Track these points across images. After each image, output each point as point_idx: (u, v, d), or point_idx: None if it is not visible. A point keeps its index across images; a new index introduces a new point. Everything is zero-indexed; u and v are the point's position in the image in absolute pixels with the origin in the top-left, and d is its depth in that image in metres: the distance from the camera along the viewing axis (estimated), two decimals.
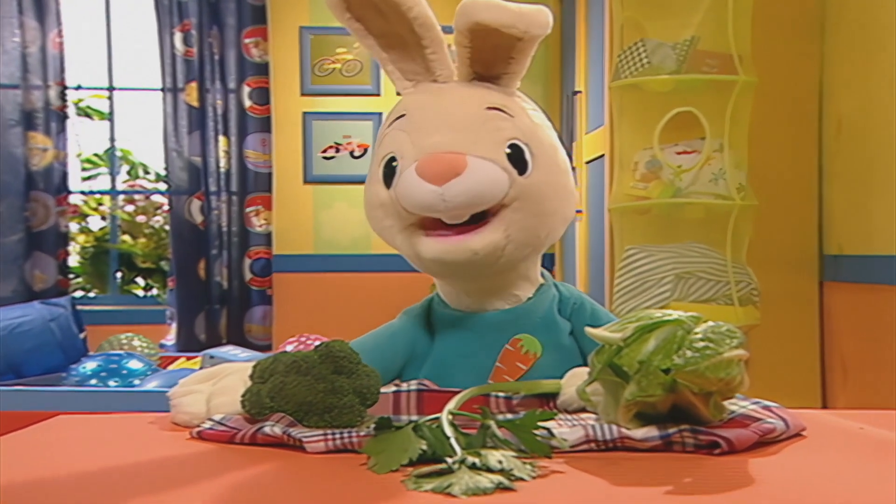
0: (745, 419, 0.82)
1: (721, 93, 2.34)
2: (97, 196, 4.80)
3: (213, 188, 4.22)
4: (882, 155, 2.18)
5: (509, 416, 0.91)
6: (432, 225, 0.96)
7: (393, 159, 0.97)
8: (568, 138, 3.63)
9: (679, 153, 2.37)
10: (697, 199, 2.36)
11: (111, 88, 4.44)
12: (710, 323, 0.79)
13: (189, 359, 2.64)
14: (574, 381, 0.92)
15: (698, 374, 0.75)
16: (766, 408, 0.86)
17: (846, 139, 2.40)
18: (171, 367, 2.61)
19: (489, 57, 0.98)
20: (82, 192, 4.72)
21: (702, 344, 0.76)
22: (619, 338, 0.79)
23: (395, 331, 1.06)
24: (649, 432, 0.76)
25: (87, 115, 4.84)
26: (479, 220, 0.95)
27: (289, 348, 2.35)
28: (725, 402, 0.81)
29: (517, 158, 0.96)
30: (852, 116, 2.37)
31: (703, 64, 2.37)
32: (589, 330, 0.83)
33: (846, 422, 0.92)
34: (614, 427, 0.78)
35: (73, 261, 4.65)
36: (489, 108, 0.97)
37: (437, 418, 0.77)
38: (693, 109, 2.31)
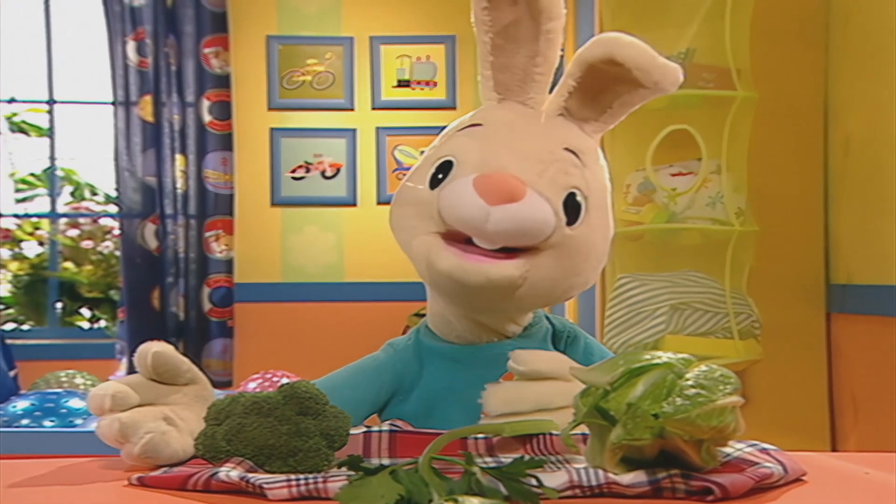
0: (740, 463, 0.83)
1: (718, 109, 2.37)
2: (34, 220, 4.76)
3: (168, 211, 4.21)
4: (892, 176, 2.22)
5: (489, 459, 0.92)
6: (456, 238, 0.99)
7: (449, 163, 1.00)
8: None
9: (674, 175, 2.40)
10: (693, 225, 2.38)
11: (51, 102, 4.42)
12: (703, 367, 0.81)
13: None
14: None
15: (689, 423, 0.77)
16: (764, 451, 0.87)
17: (854, 159, 2.43)
18: None
19: (589, 98, 1.02)
20: (16, 216, 4.68)
21: (693, 391, 0.78)
22: (605, 381, 0.80)
23: (380, 363, 1.08)
24: (637, 477, 0.77)
25: (23, 132, 4.81)
26: (505, 252, 0.98)
27: (252, 385, 2.34)
28: (719, 448, 0.83)
29: (571, 207, 0.99)
30: (860, 135, 2.41)
31: (699, 78, 2.41)
32: (573, 371, 0.84)
33: (850, 465, 0.93)
34: (600, 472, 0.79)
35: (3, 290, 4.60)
36: (566, 149, 1.00)
37: (415, 462, 0.77)
38: (688, 127, 2.34)
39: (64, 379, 2.67)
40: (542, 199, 0.96)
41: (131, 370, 3.95)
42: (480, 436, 0.95)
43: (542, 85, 1.04)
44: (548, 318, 1.11)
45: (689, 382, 0.79)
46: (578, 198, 1.00)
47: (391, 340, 1.11)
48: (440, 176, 1.00)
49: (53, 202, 4.60)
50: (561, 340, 1.09)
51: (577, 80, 1.01)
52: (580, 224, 1.00)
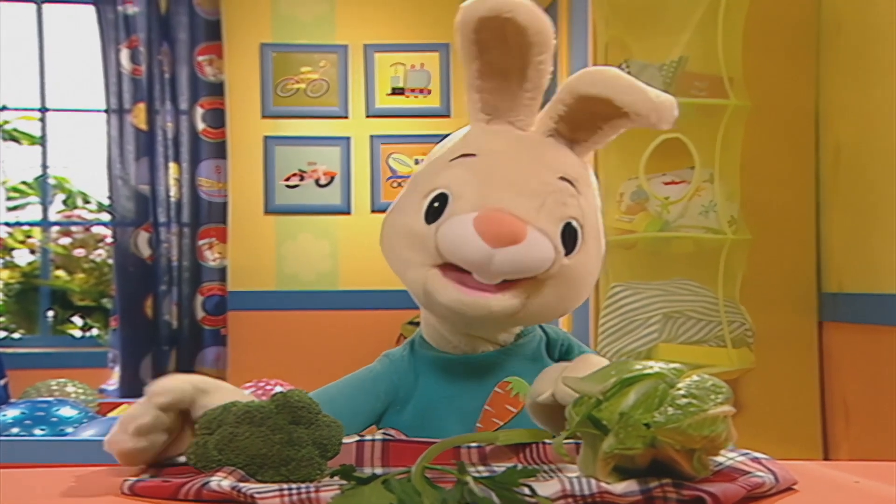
0: (732, 472, 0.83)
1: (711, 118, 2.38)
2: (25, 228, 4.75)
3: (162, 219, 4.21)
4: (883, 185, 2.23)
5: (482, 468, 0.92)
6: (452, 268, 0.99)
7: (444, 196, 1.00)
8: None
9: (666, 183, 2.41)
10: (686, 233, 2.39)
11: (43, 109, 4.42)
12: (695, 377, 0.81)
13: (132, 405, 2.61)
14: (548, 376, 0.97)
15: (680, 432, 0.77)
16: (755, 460, 0.88)
17: (845, 168, 2.44)
18: (111, 414, 2.57)
19: (580, 122, 1.03)
20: (7, 224, 4.67)
21: (685, 400, 0.78)
22: (598, 390, 0.81)
23: (376, 374, 1.09)
24: (629, 486, 0.78)
25: (15, 140, 4.81)
26: (505, 282, 0.99)
27: (245, 394, 2.34)
28: (711, 458, 0.83)
29: (568, 237, 1.00)
30: (851, 144, 2.42)
31: (692, 87, 2.42)
32: (566, 380, 0.85)
33: (841, 474, 0.94)
34: (592, 481, 0.79)
35: None
36: (561, 178, 1.01)
37: (408, 471, 0.78)
38: (681, 136, 2.34)
39: (55, 387, 2.66)
40: (542, 237, 0.97)
41: (123, 379, 3.93)
42: (473, 444, 0.95)
43: (532, 108, 1.04)
44: (541, 326, 1.12)
45: (681, 392, 0.79)
46: (575, 227, 1.01)
47: (387, 352, 1.12)
48: (436, 205, 1.00)
49: (45, 210, 4.59)
50: (555, 349, 1.10)
51: (566, 105, 1.01)
52: (577, 253, 1.01)
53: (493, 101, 1.04)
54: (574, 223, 1.01)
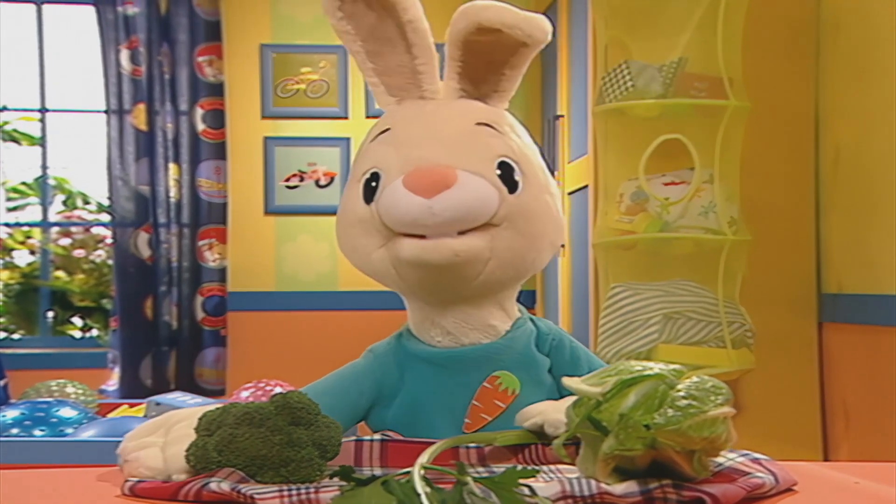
0: (731, 473, 0.83)
1: (710, 119, 2.38)
2: (25, 228, 4.75)
3: (162, 220, 4.21)
4: (883, 185, 2.23)
5: (481, 469, 0.92)
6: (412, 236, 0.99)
7: (376, 175, 1.01)
8: (549, 167, 3.67)
9: (666, 184, 2.41)
10: (686, 234, 2.39)
11: (43, 110, 4.42)
12: (695, 378, 0.81)
13: (132, 406, 2.61)
14: (553, 408, 0.95)
15: (680, 433, 0.77)
16: (755, 460, 0.88)
17: (844, 169, 2.44)
18: (111, 415, 2.57)
19: (480, 73, 1.03)
20: (7, 225, 4.67)
21: (685, 402, 0.78)
22: (598, 392, 0.80)
23: (359, 371, 1.07)
24: (629, 488, 0.78)
25: (15, 140, 4.81)
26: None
27: (244, 394, 2.34)
28: (711, 458, 0.83)
29: (507, 177, 1.00)
30: (850, 144, 2.42)
31: (692, 87, 2.42)
32: (566, 382, 0.84)
33: (841, 475, 0.94)
34: (592, 482, 0.79)
35: None
36: (479, 124, 1.02)
37: (407, 472, 0.78)
38: (681, 137, 2.34)
39: (55, 388, 2.65)
40: (475, 177, 0.97)
41: (123, 380, 3.92)
42: (472, 445, 0.95)
43: (431, 75, 1.05)
44: (532, 319, 1.10)
45: (681, 393, 0.79)
46: (511, 165, 1.01)
47: (372, 346, 1.10)
48: (372, 185, 1.01)
49: (45, 211, 4.59)
50: (546, 343, 1.07)
51: (459, 59, 1.02)
52: (522, 190, 1.01)
53: (393, 82, 1.06)
54: (508, 160, 1.01)
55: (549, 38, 1.01)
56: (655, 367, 0.82)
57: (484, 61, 1.03)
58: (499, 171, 0.99)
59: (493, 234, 0.99)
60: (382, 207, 0.98)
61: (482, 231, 0.98)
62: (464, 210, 0.96)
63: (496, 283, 1.02)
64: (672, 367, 0.83)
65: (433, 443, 0.88)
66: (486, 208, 0.97)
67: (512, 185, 1.00)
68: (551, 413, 0.95)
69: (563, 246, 3.47)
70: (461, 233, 0.98)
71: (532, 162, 1.04)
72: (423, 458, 0.80)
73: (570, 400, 0.86)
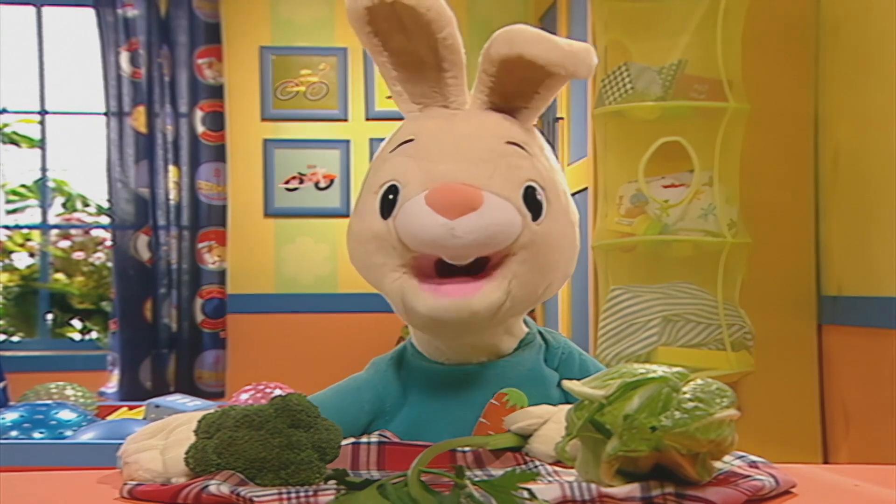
0: (731, 476, 0.83)
1: (710, 121, 2.38)
2: (24, 231, 4.75)
3: (161, 222, 4.21)
4: (882, 187, 2.23)
5: (478, 472, 0.92)
6: (427, 272, 0.95)
7: (394, 188, 0.96)
8: None
9: (666, 187, 2.41)
10: (686, 236, 2.39)
11: (43, 112, 4.42)
12: (699, 381, 0.81)
13: (132, 408, 2.61)
14: (542, 439, 0.93)
15: (688, 436, 0.77)
16: (753, 464, 0.88)
17: (844, 171, 2.44)
18: (110, 418, 2.57)
19: (513, 89, 0.99)
20: (6, 227, 4.67)
21: (691, 404, 0.78)
22: (601, 395, 0.80)
23: (360, 384, 1.05)
24: (631, 492, 0.78)
25: (14, 143, 4.81)
26: (479, 266, 0.95)
27: (244, 397, 2.34)
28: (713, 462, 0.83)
29: (532, 202, 0.96)
30: (850, 147, 2.42)
31: (691, 90, 2.42)
32: (567, 385, 0.84)
33: (840, 478, 0.94)
34: (593, 486, 0.79)
35: None
36: (508, 143, 0.97)
37: (403, 476, 0.77)
38: (680, 139, 2.35)
39: (54, 390, 2.65)
40: (501, 200, 0.93)
41: (123, 382, 3.92)
42: (468, 448, 0.95)
43: (458, 87, 1.00)
44: (541, 333, 1.08)
45: (687, 396, 0.79)
46: (537, 190, 0.97)
47: (375, 359, 1.07)
48: (390, 198, 0.96)
49: (44, 213, 4.59)
50: (555, 358, 1.06)
51: (492, 75, 0.97)
52: (545, 217, 0.97)
53: (417, 91, 1.01)
54: (534, 185, 0.96)
55: (594, 71, 0.97)
56: (659, 370, 0.82)
57: (518, 80, 0.98)
58: (524, 195, 0.95)
59: (512, 272, 0.95)
60: (401, 224, 0.93)
61: (500, 270, 0.94)
62: (487, 235, 0.91)
63: (509, 318, 1.01)
64: (675, 370, 0.83)
65: (430, 446, 0.87)
66: (509, 235, 0.93)
67: (536, 212, 0.96)
68: (540, 444, 0.94)
69: None
70: (478, 265, 0.94)
71: (557, 187, 1.00)
72: (419, 462, 0.80)
73: (566, 408, 0.86)
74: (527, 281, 0.97)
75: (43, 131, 4.45)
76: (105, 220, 4.58)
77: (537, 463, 0.93)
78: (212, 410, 0.89)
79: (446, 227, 0.90)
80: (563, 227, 0.99)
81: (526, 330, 1.07)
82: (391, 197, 0.96)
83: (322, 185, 4.34)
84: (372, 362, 1.07)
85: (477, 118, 0.99)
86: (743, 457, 0.89)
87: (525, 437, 0.96)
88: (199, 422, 0.88)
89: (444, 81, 0.99)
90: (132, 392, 4.03)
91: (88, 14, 4.21)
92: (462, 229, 0.90)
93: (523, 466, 0.93)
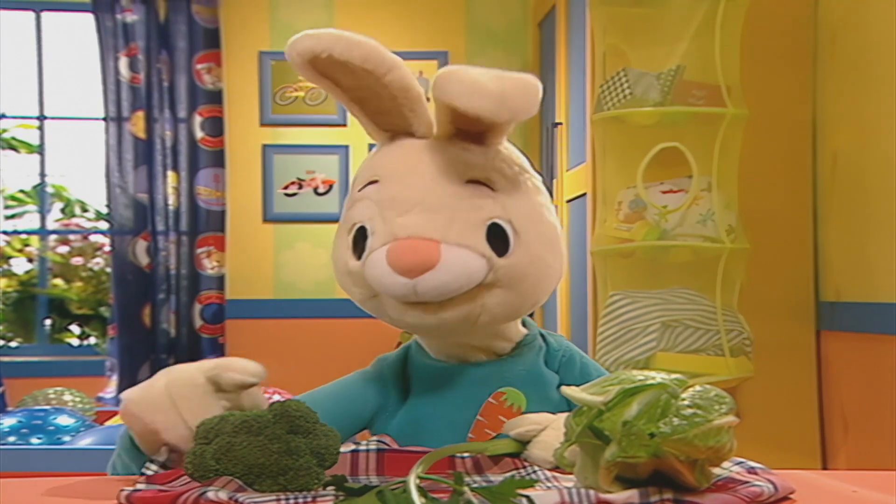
0: (729, 483, 0.83)
1: (709, 126, 2.38)
2: (23, 236, 4.75)
3: (160, 227, 4.21)
4: (880, 193, 2.23)
5: (477, 477, 0.92)
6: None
7: (363, 230, 0.99)
8: (548, 174, 3.67)
9: (664, 192, 2.41)
10: (684, 242, 2.39)
11: (42, 118, 4.42)
12: (698, 387, 0.81)
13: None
14: (541, 445, 0.94)
15: (686, 443, 0.77)
16: (751, 470, 0.88)
17: (842, 176, 2.45)
18: (108, 423, 2.57)
19: (468, 121, 0.97)
20: (5, 232, 4.67)
21: (690, 411, 0.78)
22: (600, 401, 0.80)
23: (367, 378, 1.08)
24: (629, 498, 0.78)
25: (13, 148, 4.81)
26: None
27: None
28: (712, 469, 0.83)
29: (497, 238, 0.97)
30: (848, 152, 2.43)
31: (690, 95, 2.42)
32: (566, 391, 0.84)
33: (839, 484, 0.94)
34: (591, 491, 0.79)
35: None
36: (469, 182, 0.97)
37: (402, 482, 0.77)
38: (679, 145, 2.35)
39: (52, 396, 2.65)
40: (460, 252, 0.94)
41: (121, 387, 3.94)
42: (467, 454, 0.95)
43: (419, 117, 0.99)
44: (543, 335, 1.09)
45: (686, 402, 0.79)
46: (501, 225, 0.97)
47: (381, 356, 1.10)
48: (360, 239, 0.99)
49: (43, 219, 4.59)
50: (555, 360, 1.07)
51: (446, 109, 0.96)
52: (514, 250, 0.97)
53: (383, 121, 1.01)
54: (499, 222, 0.97)
55: (536, 108, 0.93)
56: (658, 376, 0.82)
57: (467, 118, 0.96)
58: (488, 232, 0.96)
59: (484, 297, 0.97)
60: (368, 274, 0.97)
61: (469, 294, 0.97)
62: (447, 290, 0.95)
63: (491, 325, 1.03)
64: (674, 376, 0.83)
65: (429, 451, 0.88)
66: (470, 282, 0.95)
67: (503, 247, 0.97)
68: (538, 450, 0.95)
69: None
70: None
71: (527, 214, 0.99)
72: (419, 468, 0.80)
73: (565, 415, 0.86)
74: (502, 301, 0.99)
75: (42, 136, 4.45)
76: (104, 225, 4.58)
77: (536, 468, 0.93)
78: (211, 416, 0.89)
79: (408, 286, 0.94)
80: (537, 253, 0.99)
81: (525, 332, 1.08)
82: (361, 238, 0.99)
83: (321, 190, 4.34)
84: (377, 358, 1.10)
85: (438, 156, 0.98)
86: (742, 462, 0.89)
87: (524, 442, 0.97)
88: (198, 427, 0.88)
89: (403, 114, 0.99)
90: None
91: (87, 19, 4.21)
92: (423, 288, 0.94)
93: (521, 472, 0.93)
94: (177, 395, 0.92)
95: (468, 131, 0.98)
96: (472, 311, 0.98)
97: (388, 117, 1.01)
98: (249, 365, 0.94)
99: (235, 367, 0.93)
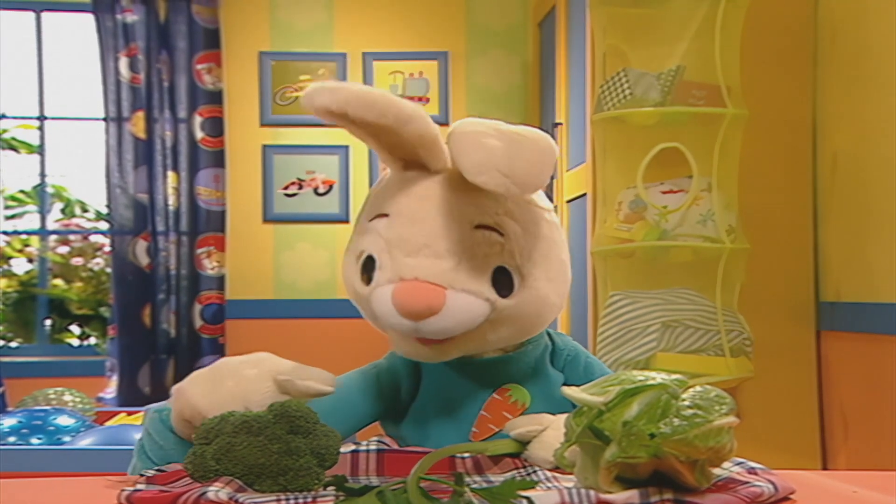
0: (730, 483, 0.83)
1: (709, 126, 2.38)
2: (23, 237, 4.75)
3: (160, 228, 4.21)
4: (880, 193, 2.23)
5: (477, 477, 0.92)
6: None
7: (372, 259, 1.00)
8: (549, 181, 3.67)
9: (665, 192, 2.41)
10: (684, 242, 2.39)
11: (42, 118, 4.42)
12: (698, 388, 0.81)
13: (130, 414, 2.61)
14: (541, 445, 0.94)
15: (686, 443, 0.77)
16: (751, 470, 0.88)
17: (842, 177, 2.45)
18: (108, 423, 2.57)
19: None
20: (5, 233, 4.67)
21: (690, 412, 0.78)
22: (600, 401, 0.80)
23: (380, 369, 1.10)
24: (630, 498, 0.78)
25: (13, 148, 4.81)
26: None
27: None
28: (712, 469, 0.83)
29: (502, 277, 0.98)
30: (847, 152, 2.43)
31: (690, 95, 2.42)
32: (566, 391, 0.85)
33: (839, 484, 0.94)
34: (591, 492, 0.79)
35: None
36: (478, 227, 0.97)
37: (402, 482, 0.77)
38: (679, 145, 2.35)
39: (52, 396, 2.65)
40: (464, 297, 0.96)
41: (121, 388, 3.93)
42: (467, 455, 0.95)
43: (435, 156, 0.99)
44: (549, 334, 1.11)
45: (686, 403, 0.79)
46: (508, 270, 0.99)
47: (391, 352, 1.12)
48: (368, 269, 1.01)
49: (43, 219, 4.59)
50: (560, 358, 1.09)
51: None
52: (518, 292, 0.99)
53: (399, 154, 1.01)
54: (504, 267, 0.98)
55: (548, 178, 0.94)
56: (658, 376, 0.82)
57: None
58: (493, 276, 0.98)
59: (485, 331, 1.00)
60: (375, 308, 0.99)
61: (471, 332, 0.99)
62: (449, 333, 0.97)
63: (498, 345, 1.05)
64: (674, 377, 0.83)
65: (429, 452, 0.88)
66: (473, 325, 0.98)
67: (507, 289, 0.99)
68: (539, 450, 0.96)
69: None
70: None
71: (533, 257, 1.00)
72: (419, 468, 0.80)
73: (563, 417, 0.87)
74: (503, 336, 1.02)
75: (42, 137, 4.45)
76: (104, 225, 4.58)
77: (536, 469, 0.93)
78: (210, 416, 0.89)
79: (412, 328, 0.97)
80: (541, 292, 1.01)
81: None
82: (370, 265, 1.01)
83: (321, 190, 4.34)
84: (391, 353, 1.11)
85: (450, 198, 0.98)
86: (742, 463, 0.89)
87: (524, 443, 0.97)
88: (198, 427, 0.88)
89: (419, 154, 0.99)
90: (131, 398, 4.03)
91: (87, 19, 4.21)
92: (427, 330, 0.96)
93: (521, 472, 0.93)
94: (248, 400, 0.94)
95: None
96: (474, 345, 1.01)
97: (403, 152, 1.01)
98: (322, 374, 0.99)
99: (312, 375, 0.97)
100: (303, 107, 0.97)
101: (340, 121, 0.96)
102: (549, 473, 0.92)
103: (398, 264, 0.97)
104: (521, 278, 0.99)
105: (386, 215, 1.00)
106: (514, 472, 0.95)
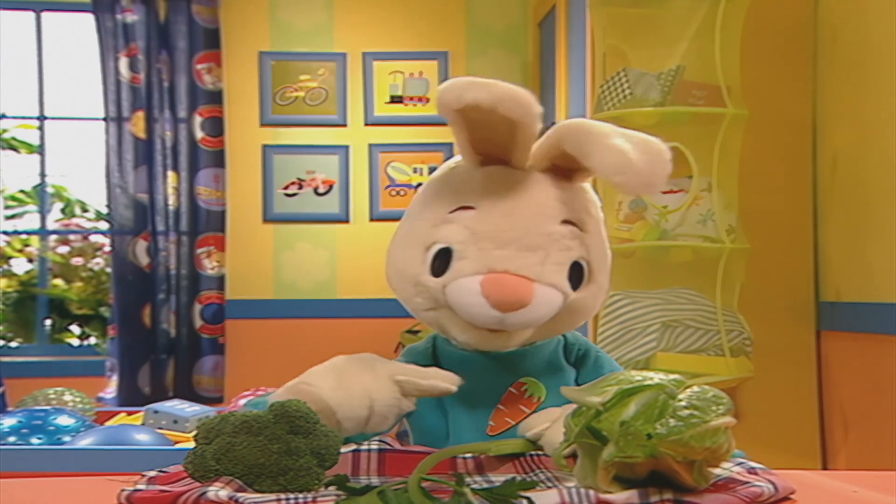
0: (730, 483, 0.83)
1: (709, 126, 2.38)
2: (23, 236, 4.75)
3: (160, 227, 4.21)
4: (880, 193, 2.23)
5: (479, 478, 0.92)
6: None
7: (448, 250, 1.01)
8: None
9: (664, 192, 2.41)
10: (684, 242, 2.39)
11: (42, 118, 4.42)
12: (696, 388, 0.81)
13: (130, 413, 2.61)
14: (552, 435, 0.96)
15: (682, 444, 0.77)
16: (751, 470, 0.88)
17: (842, 176, 2.45)
18: (109, 423, 2.57)
19: (570, 160, 1.00)
20: (5, 233, 4.67)
21: (687, 412, 0.78)
22: (598, 401, 0.81)
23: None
24: (629, 498, 0.78)
25: (13, 148, 4.81)
26: None
27: (243, 402, 2.34)
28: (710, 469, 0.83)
29: (575, 275, 1.02)
30: (848, 152, 2.43)
31: (690, 95, 2.42)
32: (565, 391, 0.85)
33: (840, 484, 0.94)
34: (591, 492, 0.79)
35: None
36: (563, 222, 1.01)
37: (404, 482, 0.78)
38: (679, 145, 2.34)
39: (52, 396, 2.65)
40: (549, 290, 1.00)
41: (121, 388, 3.93)
42: (469, 455, 0.95)
43: (523, 154, 1.01)
44: None
45: (683, 403, 0.79)
46: (582, 264, 1.03)
47: (409, 346, 1.14)
48: (441, 258, 1.01)
49: (43, 219, 4.59)
50: (571, 353, 1.11)
51: (558, 148, 1.00)
52: (584, 286, 1.04)
53: (484, 149, 1.02)
54: (580, 261, 1.03)
55: (660, 186, 0.98)
56: (655, 377, 0.82)
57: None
58: (570, 270, 1.02)
59: (547, 322, 1.03)
60: (453, 298, 1.00)
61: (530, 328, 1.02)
62: (531, 324, 1.01)
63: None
64: (672, 377, 0.83)
65: (431, 452, 0.88)
66: (549, 317, 1.01)
67: (578, 282, 1.03)
68: (554, 434, 0.96)
69: None
70: None
71: (601, 258, 1.06)
72: (420, 469, 0.80)
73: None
74: (554, 328, 1.06)
75: (42, 137, 4.46)
76: (104, 225, 4.58)
77: (537, 470, 0.94)
78: (210, 416, 0.89)
79: (497, 318, 0.98)
80: (596, 294, 1.06)
81: None
82: (443, 258, 1.02)
83: (321, 190, 4.34)
84: (407, 349, 1.13)
85: (536, 190, 1.02)
86: (742, 463, 0.89)
87: (535, 441, 0.98)
88: (199, 427, 0.88)
89: (509, 148, 1.01)
90: (131, 398, 4.03)
91: (87, 19, 4.22)
92: (511, 322, 0.99)
93: (522, 472, 0.94)
94: (373, 399, 0.97)
95: (562, 167, 1.03)
96: (535, 335, 1.04)
97: (492, 146, 1.01)
98: (442, 372, 1.02)
99: (432, 374, 1.01)
100: (441, 101, 0.95)
101: (470, 115, 0.96)
102: (550, 473, 0.92)
103: (488, 256, 0.99)
104: (590, 272, 1.04)
105: (472, 208, 1.01)
106: (515, 474, 0.95)
